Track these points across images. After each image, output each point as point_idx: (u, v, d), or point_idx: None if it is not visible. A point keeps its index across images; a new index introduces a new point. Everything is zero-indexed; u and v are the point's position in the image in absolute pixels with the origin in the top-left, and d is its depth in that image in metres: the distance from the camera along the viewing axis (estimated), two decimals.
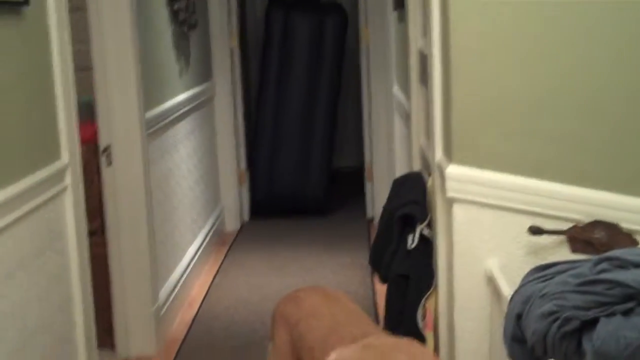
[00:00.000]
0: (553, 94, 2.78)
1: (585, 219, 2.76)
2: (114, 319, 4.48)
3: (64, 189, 3.22)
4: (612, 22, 2.72)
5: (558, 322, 1.60)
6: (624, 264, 1.71)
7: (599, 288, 1.62)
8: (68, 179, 3.24)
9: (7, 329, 2.65)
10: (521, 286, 1.82)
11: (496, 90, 2.82)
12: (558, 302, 1.62)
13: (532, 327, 1.66)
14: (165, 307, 4.77)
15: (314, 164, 7.52)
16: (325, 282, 5.51)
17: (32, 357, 2.85)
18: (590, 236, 2.68)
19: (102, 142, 4.32)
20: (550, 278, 1.72)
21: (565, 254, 2.81)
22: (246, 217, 7.41)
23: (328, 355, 2.70)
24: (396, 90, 6.00)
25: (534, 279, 1.77)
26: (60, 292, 3.16)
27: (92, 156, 4.35)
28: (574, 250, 2.73)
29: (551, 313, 1.62)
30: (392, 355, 2.36)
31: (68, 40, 3.31)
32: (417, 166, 4.07)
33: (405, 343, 2.57)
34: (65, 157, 3.23)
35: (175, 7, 5.36)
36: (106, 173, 4.35)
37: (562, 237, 2.79)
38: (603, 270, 1.69)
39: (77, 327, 3.33)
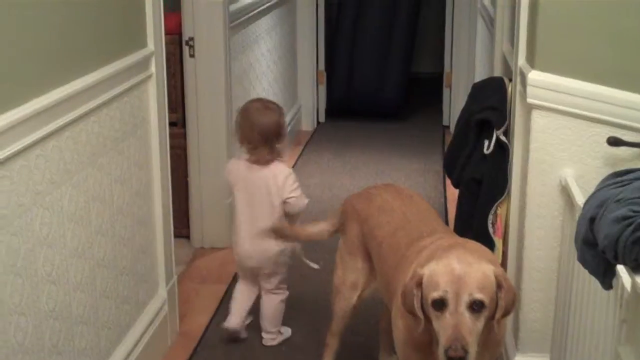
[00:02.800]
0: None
1: None
2: (190, 210, 4.60)
3: (149, 77, 3.28)
4: None
5: (632, 227, 1.60)
6: None
7: None
8: (153, 67, 3.30)
9: (91, 211, 2.76)
10: (597, 190, 1.82)
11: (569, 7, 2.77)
12: (633, 207, 1.63)
13: (605, 231, 1.67)
14: None
15: (392, 68, 7.49)
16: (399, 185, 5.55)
17: (113, 238, 2.96)
18: None
19: (186, 33, 4.37)
20: (627, 184, 1.72)
21: None
22: (322, 117, 7.45)
23: (396, 251, 2.76)
24: None
25: (611, 184, 1.77)
26: (141, 178, 3.26)
27: (176, 48, 4.41)
28: None
29: (625, 218, 1.62)
30: (450, 250, 2.40)
31: None
32: (498, 73, 4.04)
33: (469, 242, 2.61)
34: (151, 45, 3.29)
35: None
36: (188, 64, 4.41)
37: None
38: None
39: (156, 213, 3.44)
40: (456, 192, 3.62)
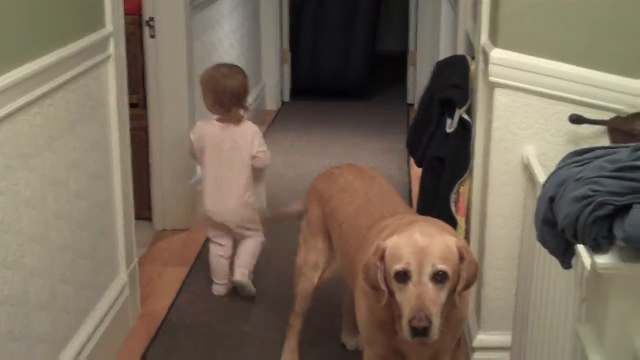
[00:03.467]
0: None
1: (628, 110, 2.72)
2: (152, 192, 4.55)
3: (108, 58, 3.22)
4: None
5: (591, 206, 1.59)
6: None
7: (636, 174, 1.61)
8: (112, 49, 3.24)
9: (47, 195, 2.71)
10: (557, 170, 1.81)
11: None
12: (593, 187, 1.61)
13: (565, 210, 1.65)
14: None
15: (357, 47, 7.45)
16: (363, 165, 5.53)
17: (70, 222, 2.91)
18: (632, 127, 2.65)
19: (146, 14, 4.31)
20: (587, 163, 1.71)
21: (605, 145, 2.79)
22: (287, 97, 7.41)
23: (358, 232, 2.75)
24: None
25: (570, 163, 1.76)
26: (100, 161, 3.21)
27: (137, 28, 4.34)
28: (614, 141, 2.71)
29: (585, 197, 1.61)
30: (412, 224, 2.40)
31: None
32: (461, 51, 4.02)
33: (431, 219, 2.61)
34: (109, 26, 3.23)
35: None
36: (149, 45, 4.35)
37: (602, 128, 2.77)
38: None
39: (116, 196, 3.39)
40: (420, 171, 3.60)
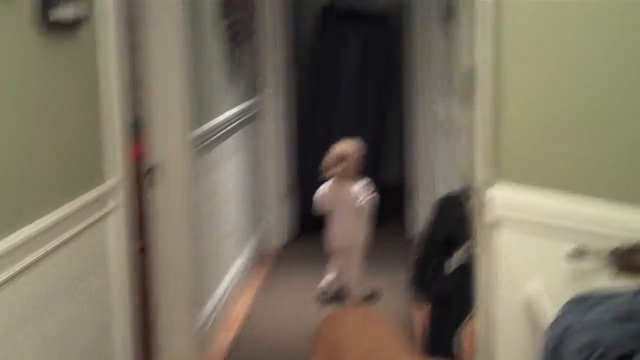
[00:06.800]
0: (602, 115, 2.73)
1: (632, 241, 2.70)
2: (154, 341, 4.49)
3: (108, 213, 3.23)
4: None
5: (595, 355, 1.58)
6: None
7: (637, 322, 1.60)
8: (112, 203, 3.25)
9: (49, 354, 2.69)
10: (558, 317, 1.80)
11: (535, 114, 2.79)
12: (595, 335, 1.60)
13: None
14: (206, 328, 4.77)
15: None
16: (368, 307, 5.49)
17: None
18: (631, 259, 2.63)
19: (149, 162, 4.34)
20: (588, 309, 1.70)
21: (609, 277, 2.77)
22: (290, 234, 7.39)
23: None
24: (440, 106, 5.98)
25: (571, 310, 1.75)
26: (102, 316, 3.19)
27: (140, 176, 4.37)
28: (617, 274, 2.68)
29: (588, 346, 1.60)
30: None
31: (117, 61, 3.30)
32: (459, 185, 4.05)
33: None
34: (109, 181, 3.24)
35: (228, 22, 5.39)
36: (151, 193, 4.37)
37: (605, 261, 2.75)
38: None
39: (118, 351, 3.34)
40: (425, 308, 3.58)
